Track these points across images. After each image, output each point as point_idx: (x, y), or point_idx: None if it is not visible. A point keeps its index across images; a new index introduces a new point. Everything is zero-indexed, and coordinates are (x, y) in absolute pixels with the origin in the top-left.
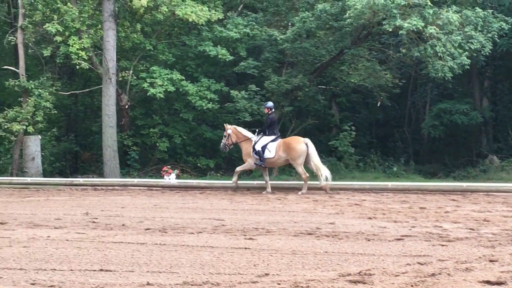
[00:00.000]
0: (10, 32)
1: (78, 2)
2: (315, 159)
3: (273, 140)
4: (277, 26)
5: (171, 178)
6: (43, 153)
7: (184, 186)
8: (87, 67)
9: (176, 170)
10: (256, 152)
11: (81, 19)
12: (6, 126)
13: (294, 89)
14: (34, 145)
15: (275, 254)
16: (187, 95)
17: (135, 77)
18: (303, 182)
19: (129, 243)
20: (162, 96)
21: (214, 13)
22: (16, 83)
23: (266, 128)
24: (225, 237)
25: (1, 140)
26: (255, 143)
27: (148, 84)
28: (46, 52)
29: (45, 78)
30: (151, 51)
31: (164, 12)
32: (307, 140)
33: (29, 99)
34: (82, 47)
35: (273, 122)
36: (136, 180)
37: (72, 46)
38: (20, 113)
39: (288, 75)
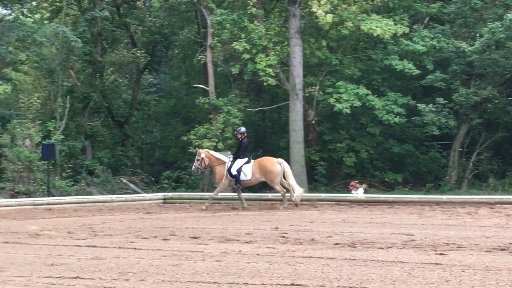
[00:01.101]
0: (199, 51)
1: (264, 20)
2: (291, 179)
3: (246, 162)
4: (465, 37)
5: (358, 193)
6: None
7: (372, 201)
8: (274, 83)
9: (363, 185)
10: (233, 176)
11: (268, 36)
12: (197, 143)
13: (483, 101)
14: None
15: (468, 270)
16: (374, 110)
17: (322, 93)
18: (284, 198)
19: (318, 257)
20: (348, 111)
21: (400, 28)
22: (206, 101)
23: (241, 152)
24: (415, 252)
25: (192, 157)
26: (230, 167)
27: (334, 99)
28: (234, 70)
29: (233, 95)
30: (337, 66)
31: (349, 28)
32: (281, 161)
33: (219, 116)
34: (269, 64)
35: (247, 147)
36: (324, 195)
37: (259, 63)
38: (210, 130)
39: (477, 87)
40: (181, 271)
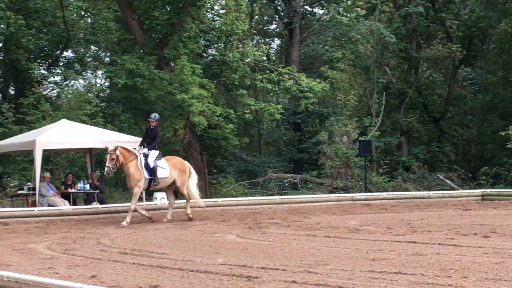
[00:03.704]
0: None
1: None
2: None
3: (158, 157)
4: None
5: None
6: None
7: None
8: None
9: None
10: (151, 170)
11: None
12: None
13: None
14: None
15: None
16: None
17: None
18: (187, 202)
19: None
20: None
21: None
22: None
23: (157, 143)
24: None
25: (511, 152)
26: (146, 159)
27: None
28: None
29: None
30: None
31: None
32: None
33: None
34: None
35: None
36: None
37: None
38: None
39: None
40: (505, 269)
